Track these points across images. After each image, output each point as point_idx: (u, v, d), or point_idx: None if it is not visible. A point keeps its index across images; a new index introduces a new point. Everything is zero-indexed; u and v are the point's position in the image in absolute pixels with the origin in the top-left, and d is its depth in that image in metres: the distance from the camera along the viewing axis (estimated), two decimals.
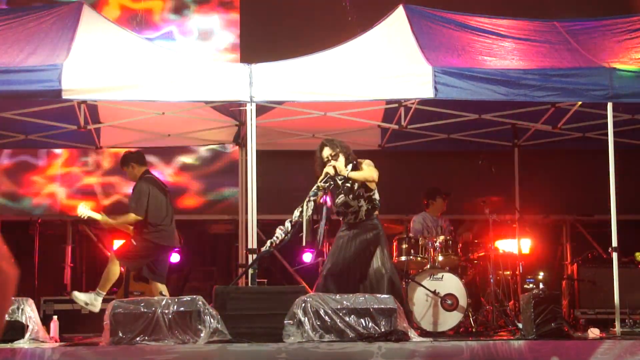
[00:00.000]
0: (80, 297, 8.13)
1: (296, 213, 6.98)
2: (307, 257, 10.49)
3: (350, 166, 7.28)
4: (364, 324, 6.47)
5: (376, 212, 7.41)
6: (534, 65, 7.90)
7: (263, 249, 7.14)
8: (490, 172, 9.18)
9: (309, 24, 11.23)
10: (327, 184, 7.08)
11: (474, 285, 9.22)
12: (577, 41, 8.46)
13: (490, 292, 8.67)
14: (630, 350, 6.46)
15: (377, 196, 7.36)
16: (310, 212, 6.92)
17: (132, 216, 8.37)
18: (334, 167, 7.14)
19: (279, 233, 7.02)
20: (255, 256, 7.27)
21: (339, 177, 7.19)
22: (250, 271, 7.12)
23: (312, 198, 6.97)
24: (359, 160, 7.37)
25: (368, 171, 7.25)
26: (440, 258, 8.52)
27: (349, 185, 7.28)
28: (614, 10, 10.06)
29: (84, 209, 8.39)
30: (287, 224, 7.02)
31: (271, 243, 7.03)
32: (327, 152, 7.29)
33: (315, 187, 7.05)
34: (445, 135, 10.32)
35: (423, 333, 7.77)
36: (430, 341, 6.83)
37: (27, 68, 7.24)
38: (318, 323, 6.41)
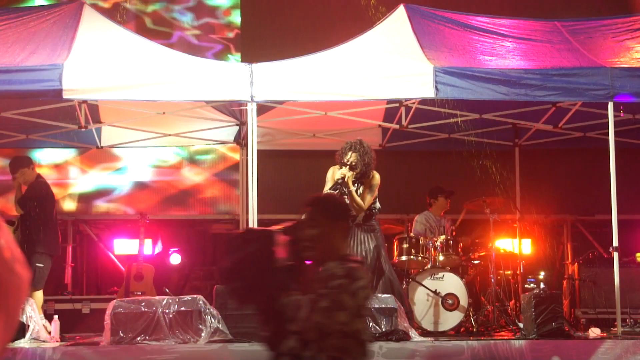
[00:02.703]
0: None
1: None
2: None
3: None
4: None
5: (374, 217, 7.50)
6: (534, 64, 7.90)
7: None
8: (490, 172, 9.18)
9: (309, 24, 11.22)
10: (336, 190, 7.12)
11: (475, 284, 9.22)
12: (578, 41, 8.45)
13: (491, 291, 8.66)
14: (631, 350, 6.46)
15: (377, 205, 7.43)
16: None
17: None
18: (344, 177, 7.17)
19: None
20: None
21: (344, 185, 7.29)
22: None
23: None
24: (373, 173, 7.47)
25: (364, 202, 7.36)
26: (441, 258, 8.51)
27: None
28: (614, 10, 10.06)
29: None
30: None
31: None
32: (351, 157, 7.31)
33: (324, 192, 7.07)
34: (445, 135, 10.31)
35: (424, 333, 7.76)
36: (431, 341, 6.83)
37: (28, 68, 7.24)
38: None
